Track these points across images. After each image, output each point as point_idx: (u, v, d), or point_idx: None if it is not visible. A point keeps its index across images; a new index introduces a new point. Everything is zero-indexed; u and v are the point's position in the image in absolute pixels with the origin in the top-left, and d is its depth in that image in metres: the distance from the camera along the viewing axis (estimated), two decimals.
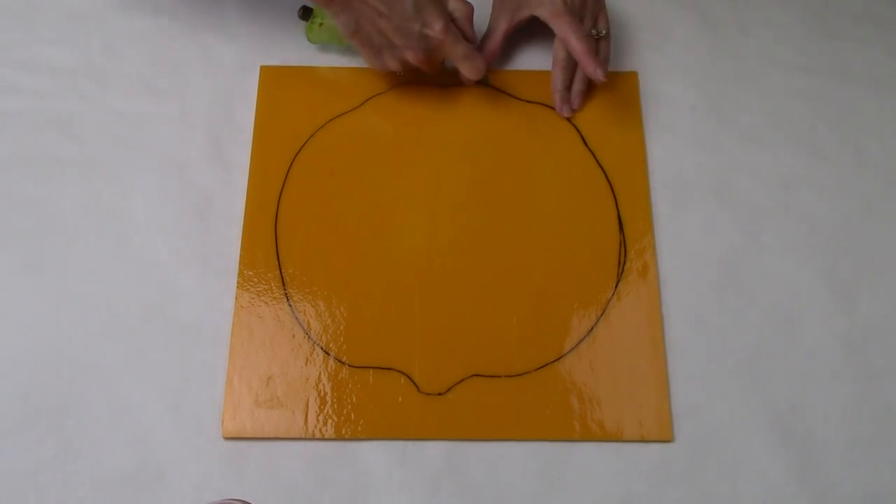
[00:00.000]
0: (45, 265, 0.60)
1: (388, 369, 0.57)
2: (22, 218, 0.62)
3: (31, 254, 0.61)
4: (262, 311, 0.59)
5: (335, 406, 0.56)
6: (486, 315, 0.59)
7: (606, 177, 0.65)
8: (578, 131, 0.66)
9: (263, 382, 0.57)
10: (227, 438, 0.55)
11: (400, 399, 0.57)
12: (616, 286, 0.61)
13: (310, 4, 0.67)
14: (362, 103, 0.67)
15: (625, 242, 0.62)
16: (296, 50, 0.69)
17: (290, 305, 0.59)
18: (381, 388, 0.57)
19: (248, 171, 0.64)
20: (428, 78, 0.67)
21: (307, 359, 0.58)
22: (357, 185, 0.64)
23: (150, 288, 0.60)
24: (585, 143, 0.66)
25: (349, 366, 0.58)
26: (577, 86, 0.67)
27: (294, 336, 0.59)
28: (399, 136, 0.66)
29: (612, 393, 0.57)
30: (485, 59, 0.65)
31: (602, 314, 0.60)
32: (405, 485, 0.55)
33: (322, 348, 0.58)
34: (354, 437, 0.56)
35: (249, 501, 0.49)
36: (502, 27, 0.67)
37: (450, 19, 0.62)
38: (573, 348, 0.58)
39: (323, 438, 0.56)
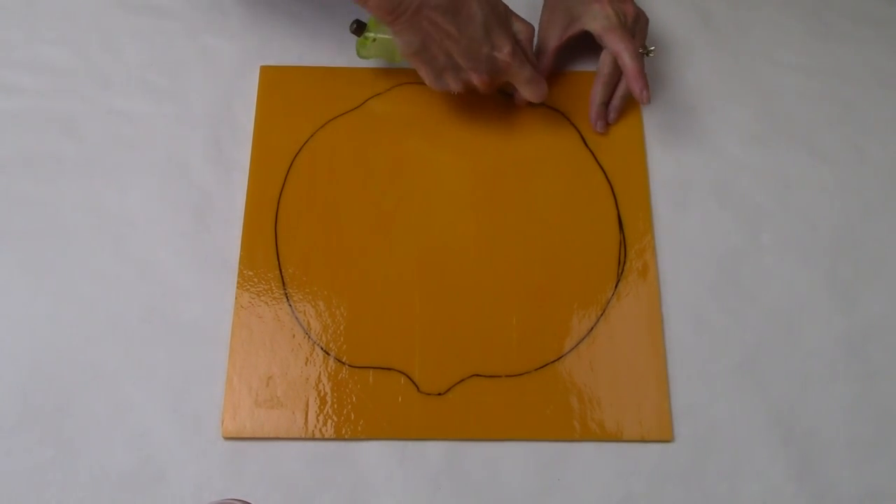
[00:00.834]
0: (45, 265, 0.60)
1: (388, 369, 0.58)
2: (22, 218, 0.62)
3: (31, 254, 0.61)
4: (262, 311, 0.59)
5: (335, 406, 0.56)
6: (486, 315, 0.59)
7: (606, 177, 0.65)
8: (578, 131, 0.66)
9: (263, 382, 0.57)
10: (227, 438, 0.55)
11: (400, 399, 0.57)
12: (616, 286, 0.61)
13: (364, 19, 0.65)
14: (362, 103, 0.67)
15: (625, 242, 0.62)
16: (296, 50, 0.69)
17: (290, 305, 0.59)
18: (381, 388, 0.57)
19: (248, 171, 0.64)
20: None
21: (307, 359, 0.58)
22: (357, 184, 0.64)
23: (150, 288, 0.60)
24: (585, 143, 0.66)
25: (349, 366, 0.58)
26: (616, 102, 0.66)
27: (294, 336, 0.59)
28: (399, 136, 0.66)
29: (612, 393, 0.57)
30: (545, 82, 0.63)
31: (602, 314, 0.60)
32: (405, 485, 0.55)
33: (322, 348, 0.58)
34: (354, 437, 0.56)
35: (249, 501, 0.49)
36: (553, 44, 0.66)
37: (515, 41, 0.61)
38: (573, 348, 0.58)
39: (323, 438, 0.56)
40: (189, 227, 0.62)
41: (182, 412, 0.56)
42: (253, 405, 0.56)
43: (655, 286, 0.61)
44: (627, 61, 0.62)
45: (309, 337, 0.58)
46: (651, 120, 0.67)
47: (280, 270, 0.61)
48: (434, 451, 0.56)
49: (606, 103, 0.66)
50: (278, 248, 0.61)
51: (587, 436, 0.56)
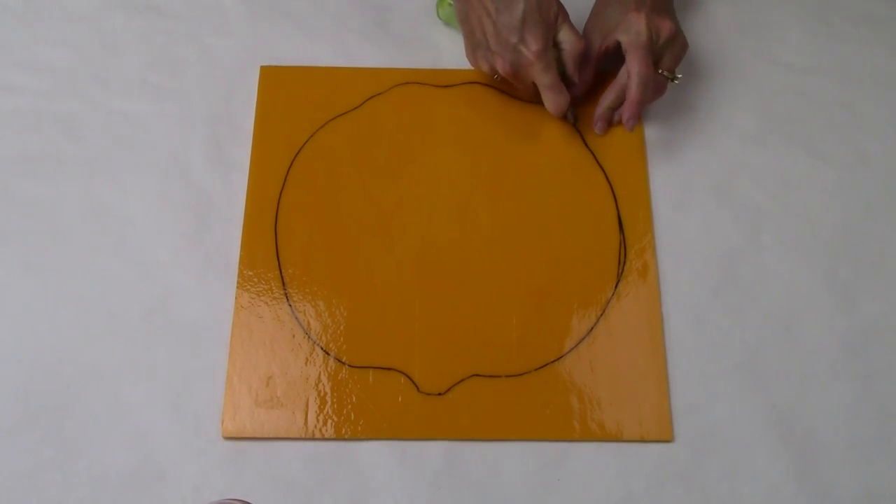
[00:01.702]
0: (45, 265, 0.60)
1: (388, 369, 0.57)
2: (22, 218, 0.62)
3: (31, 254, 0.61)
4: (262, 311, 0.59)
5: (335, 406, 0.56)
6: (486, 315, 0.59)
7: (606, 177, 0.65)
8: (578, 131, 0.66)
9: (263, 382, 0.57)
10: (227, 438, 0.55)
11: (400, 399, 0.57)
12: (616, 286, 0.61)
13: None
14: (362, 103, 0.67)
15: (625, 242, 0.62)
16: (296, 50, 0.69)
17: (290, 305, 0.59)
18: (381, 388, 0.57)
19: (248, 171, 0.64)
20: (428, 78, 0.67)
21: (307, 359, 0.58)
22: (357, 185, 0.64)
23: (150, 288, 0.60)
24: (585, 143, 0.66)
25: (349, 366, 0.58)
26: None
27: (294, 336, 0.59)
28: (399, 136, 0.66)
29: (611, 393, 0.57)
30: (569, 97, 0.63)
31: (602, 314, 0.60)
32: (405, 485, 0.55)
33: (322, 348, 0.58)
34: (354, 437, 0.56)
35: (249, 501, 0.49)
36: (593, 53, 0.66)
37: (551, 46, 0.61)
38: (573, 348, 0.58)
39: (323, 438, 0.56)
40: (189, 227, 0.62)
41: (182, 412, 0.56)
42: (253, 405, 0.56)
43: (655, 286, 0.60)
44: (633, 86, 0.62)
45: (309, 337, 0.58)
46: (651, 120, 0.67)
47: (280, 270, 0.61)
48: (434, 451, 0.56)
49: (614, 109, 0.66)
50: (278, 248, 0.61)
51: (587, 436, 0.56)
